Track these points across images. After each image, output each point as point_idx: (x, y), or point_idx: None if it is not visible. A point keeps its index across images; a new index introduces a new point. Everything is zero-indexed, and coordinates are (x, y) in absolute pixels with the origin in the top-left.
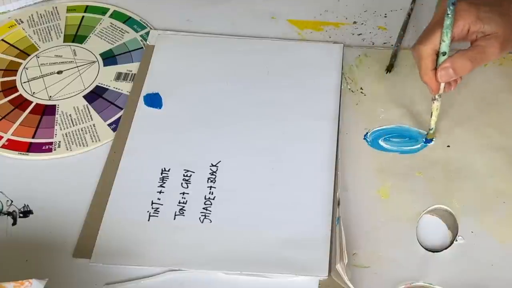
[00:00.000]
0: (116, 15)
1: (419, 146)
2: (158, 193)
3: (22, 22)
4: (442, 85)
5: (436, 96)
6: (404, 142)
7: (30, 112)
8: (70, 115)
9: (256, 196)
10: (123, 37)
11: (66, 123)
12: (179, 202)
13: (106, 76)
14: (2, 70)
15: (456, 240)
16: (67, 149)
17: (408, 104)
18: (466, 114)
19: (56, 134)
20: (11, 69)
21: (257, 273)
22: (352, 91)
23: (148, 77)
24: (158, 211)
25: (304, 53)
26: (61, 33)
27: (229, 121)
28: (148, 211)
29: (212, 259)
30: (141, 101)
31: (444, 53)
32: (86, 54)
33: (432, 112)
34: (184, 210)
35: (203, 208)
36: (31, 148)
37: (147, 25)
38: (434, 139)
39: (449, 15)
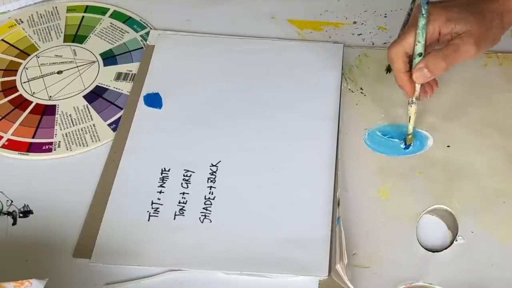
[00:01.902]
0: (116, 15)
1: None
2: (158, 193)
3: (22, 22)
4: (418, 88)
5: (413, 100)
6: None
7: (30, 112)
8: (70, 115)
9: (256, 196)
10: (123, 37)
11: (66, 123)
12: (179, 202)
13: (106, 76)
14: (2, 70)
15: (456, 240)
16: (67, 149)
17: (408, 104)
18: (466, 114)
19: (56, 134)
20: (11, 69)
21: (257, 273)
22: (352, 91)
23: (148, 77)
24: (158, 211)
25: (304, 53)
26: (61, 33)
27: (229, 121)
28: (148, 211)
29: (212, 259)
30: (141, 101)
31: (420, 54)
32: (86, 54)
33: (409, 117)
34: (184, 210)
35: (203, 208)
36: (31, 148)
37: (147, 25)
38: (412, 145)
39: (424, 15)
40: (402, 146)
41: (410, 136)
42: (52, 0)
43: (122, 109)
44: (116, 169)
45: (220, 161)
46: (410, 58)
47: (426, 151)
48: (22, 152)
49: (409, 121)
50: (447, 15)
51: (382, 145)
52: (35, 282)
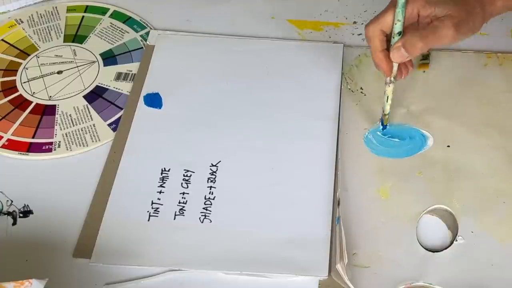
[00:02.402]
0: (116, 15)
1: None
2: (158, 193)
3: (22, 22)
4: (395, 67)
5: (391, 79)
6: (403, 144)
7: (30, 112)
8: (70, 115)
9: (256, 196)
10: (123, 37)
11: (66, 123)
12: (179, 202)
13: (106, 76)
14: (2, 70)
15: (456, 240)
16: (67, 149)
17: (408, 104)
18: (466, 114)
19: (56, 134)
20: (11, 69)
21: (257, 273)
22: (352, 91)
23: (148, 77)
24: (158, 211)
25: (304, 53)
26: (61, 33)
27: (229, 121)
28: (148, 211)
29: (212, 259)
30: (141, 101)
31: (399, 33)
32: (86, 54)
33: (387, 97)
34: (184, 210)
35: (203, 208)
36: (31, 148)
37: (147, 25)
38: (388, 125)
39: None
40: (380, 126)
41: (387, 117)
42: (52, 0)
43: (122, 109)
44: (116, 169)
45: (220, 161)
46: (388, 37)
47: (426, 151)
48: (22, 152)
49: (386, 101)
50: None
51: (382, 145)
52: (35, 282)
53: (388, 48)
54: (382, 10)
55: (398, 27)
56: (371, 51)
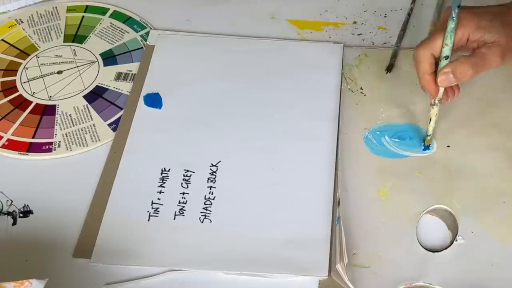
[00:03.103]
0: (116, 15)
1: (414, 153)
2: (158, 193)
3: (22, 22)
4: (441, 90)
5: (436, 101)
6: (403, 144)
7: (30, 112)
8: (70, 115)
9: (256, 196)
10: (123, 37)
11: (66, 123)
12: (179, 202)
13: (106, 76)
14: (2, 70)
15: (456, 240)
16: (67, 149)
17: (408, 104)
18: (466, 114)
19: (56, 134)
20: (11, 69)
21: (257, 273)
22: (352, 91)
23: (148, 77)
24: (158, 211)
25: (304, 53)
26: (61, 33)
27: (229, 121)
28: (148, 211)
29: (212, 259)
30: (141, 101)
31: (446, 57)
32: (86, 54)
33: (430, 118)
34: (184, 210)
35: (203, 208)
36: (31, 148)
37: (147, 25)
38: (431, 146)
39: (454, 18)
40: (422, 147)
41: (429, 138)
42: (52, 0)
43: (122, 109)
44: (116, 169)
45: (220, 161)
46: (436, 60)
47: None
48: (22, 152)
49: (429, 122)
50: (478, 22)
51: (382, 146)
52: (35, 282)
53: (435, 71)
54: (432, 32)
55: (446, 51)
56: (418, 73)
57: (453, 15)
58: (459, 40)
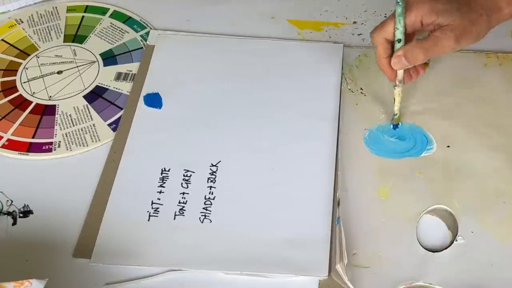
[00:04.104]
0: (116, 15)
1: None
2: (158, 193)
3: (22, 22)
4: (400, 72)
5: (397, 82)
6: (403, 144)
7: (30, 112)
8: (70, 115)
9: (256, 196)
10: (123, 37)
11: (66, 123)
12: (179, 202)
13: (106, 76)
14: (2, 70)
15: (456, 240)
16: (67, 149)
17: (408, 104)
18: (466, 114)
19: (56, 134)
20: (11, 69)
21: (257, 273)
22: (352, 91)
23: (148, 77)
24: (158, 211)
25: (304, 53)
26: (61, 33)
27: (229, 121)
28: (148, 211)
29: (212, 259)
30: (141, 101)
31: (399, 40)
32: (86, 54)
33: (394, 98)
34: (184, 210)
35: (203, 208)
36: (31, 148)
37: (147, 25)
38: (400, 124)
39: (399, 3)
40: (391, 126)
41: (396, 117)
42: (52, 0)
43: (122, 109)
44: (116, 169)
45: (220, 161)
46: (392, 44)
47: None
48: (22, 152)
49: (394, 102)
50: (431, 5)
51: (382, 146)
52: (35, 282)
53: (392, 54)
54: (386, 18)
55: (397, 35)
56: (377, 57)
57: (398, 0)
58: (413, 24)
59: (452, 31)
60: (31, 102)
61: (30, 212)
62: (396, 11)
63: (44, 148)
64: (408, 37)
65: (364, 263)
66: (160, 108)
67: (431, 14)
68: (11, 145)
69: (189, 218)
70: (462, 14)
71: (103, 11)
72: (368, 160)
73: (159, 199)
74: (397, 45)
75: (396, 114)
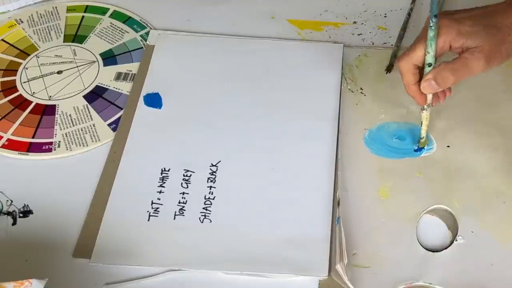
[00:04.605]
0: (116, 15)
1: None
2: (158, 193)
3: (22, 22)
4: (429, 96)
5: (425, 106)
6: (403, 144)
7: (30, 112)
8: (70, 115)
9: (256, 196)
10: (123, 37)
11: (66, 123)
12: (179, 202)
13: (106, 76)
14: (2, 70)
15: (456, 240)
16: (67, 149)
17: (408, 104)
18: (466, 114)
19: (56, 134)
20: (11, 69)
21: (257, 273)
22: (352, 91)
23: (148, 77)
24: (158, 211)
25: (304, 53)
26: (61, 33)
27: (229, 121)
28: (148, 211)
29: (212, 259)
30: (141, 101)
31: (429, 64)
32: (86, 54)
33: (422, 122)
34: (184, 210)
35: (203, 208)
36: (31, 148)
37: (147, 25)
38: (425, 149)
39: (432, 28)
40: (415, 148)
41: (423, 140)
42: (52, 0)
43: (122, 109)
44: (116, 169)
45: (220, 161)
46: (420, 70)
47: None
48: (22, 152)
49: (421, 126)
50: (458, 28)
51: (382, 146)
52: (35, 282)
53: (420, 80)
54: (413, 42)
55: (428, 59)
56: (404, 84)
57: (431, 25)
58: (441, 48)
59: (481, 52)
60: (31, 102)
61: (30, 212)
62: (428, 35)
63: (44, 148)
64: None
65: (364, 263)
66: (160, 108)
67: (460, 37)
68: (11, 145)
69: (189, 218)
70: (490, 35)
71: (103, 11)
72: (368, 160)
73: (159, 199)
74: (427, 69)
75: (423, 137)
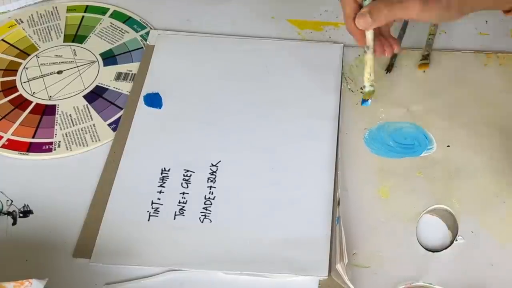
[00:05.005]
0: (116, 15)
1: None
2: (158, 193)
3: (22, 22)
4: (369, 36)
5: (365, 49)
6: (403, 144)
7: (30, 112)
8: (70, 115)
9: (256, 196)
10: (123, 37)
11: (66, 123)
12: (179, 202)
13: (106, 76)
14: (2, 70)
15: (456, 240)
16: (67, 149)
17: (408, 104)
18: (466, 114)
19: (56, 134)
20: (11, 69)
21: (257, 273)
22: (352, 91)
23: (148, 77)
24: (158, 211)
25: (304, 53)
26: (61, 33)
27: (229, 121)
28: (148, 211)
29: (212, 259)
30: (141, 101)
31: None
32: (86, 54)
33: (364, 66)
34: (184, 210)
35: (203, 208)
36: (31, 148)
37: (147, 25)
38: (369, 101)
39: None
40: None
41: (366, 90)
42: (52, 0)
43: (122, 109)
44: (116, 169)
45: (220, 161)
46: (360, 5)
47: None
48: (22, 152)
49: (364, 72)
50: None
51: (382, 146)
52: (35, 282)
53: None
54: None
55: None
56: (344, 20)
57: None
58: None
59: None
60: (31, 102)
61: (30, 212)
62: None
63: (44, 148)
64: None
65: (364, 263)
66: (160, 108)
67: None
68: (11, 145)
69: (189, 218)
70: None
71: (103, 11)
72: (368, 160)
73: (159, 199)
74: (365, 3)
75: (365, 86)
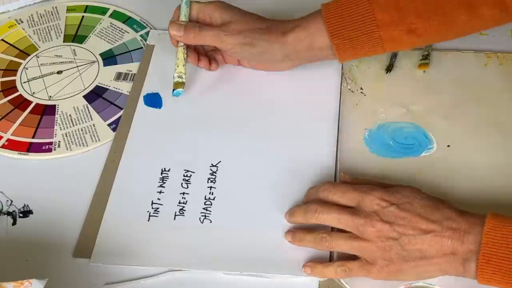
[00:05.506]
0: (116, 15)
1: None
2: (158, 193)
3: (22, 22)
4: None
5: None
6: (403, 144)
7: (30, 112)
8: (70, 115)
9: (256, 196)
10: (123, 37)
11: (66, 123)
12: (179, 202)
13: (106, 76)
14: (2, 70)
15: None
16: (67, 149)
17: (408, 104)
18: (466, 114)
19: (56, 134)
20: (11, 69)
21: (257, 273)
22: (352, 91)
23: (148, 77)
24: (158, 211)
25: None
26: (61, 33)
27: (229, 121)
28: (148, 211)
29: (212, 259)
30: (141, 101)
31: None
32: (86, 54)
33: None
34: (184, 210)
35: (203, 208)
36: (31, 148)
37: (147, 25)
38: (181, 91)
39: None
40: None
41: (174, 80)
42: (52, 0)
43: (122, 109)
44: (116, 169)
45: (220, 161)
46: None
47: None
48: (22, 152)
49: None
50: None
51: (382, 146)
52: (35, 282)
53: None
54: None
55: (182, 16)
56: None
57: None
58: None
59: (233, 30)
60: (31, 102)
61: (30, 212)
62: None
63: (44, 148)
64: None
65: None
66: (160, 108)
67: (217, 11)
68: (11, 145)
69: (189, 218)
70: (249, 19)
71: (103, 11)
72: (368, 160)
73: (159, 199)
74: (181, 18)
75: (174, 77)
